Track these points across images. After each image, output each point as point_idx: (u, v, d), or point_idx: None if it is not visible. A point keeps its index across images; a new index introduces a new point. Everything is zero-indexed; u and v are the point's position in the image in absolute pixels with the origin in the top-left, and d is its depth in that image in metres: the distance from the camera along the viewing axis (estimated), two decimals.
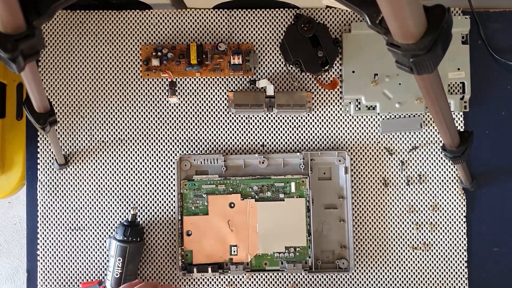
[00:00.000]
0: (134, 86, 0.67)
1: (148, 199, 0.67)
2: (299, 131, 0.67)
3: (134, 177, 0.67)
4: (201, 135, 0.67)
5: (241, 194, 0.65)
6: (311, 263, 0.64)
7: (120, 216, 0.67)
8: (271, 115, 0.67)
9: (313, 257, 0.64)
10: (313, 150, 0.67)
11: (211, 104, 0.67)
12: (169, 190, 0.67)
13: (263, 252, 0.64)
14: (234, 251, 0.64)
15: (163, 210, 0.67)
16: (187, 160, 0.65)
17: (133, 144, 0.67)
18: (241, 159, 0.66)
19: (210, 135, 0.67)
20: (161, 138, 0.67)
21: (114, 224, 0.66)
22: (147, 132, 0.67)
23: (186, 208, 0.65)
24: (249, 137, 0.67)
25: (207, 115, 0.67)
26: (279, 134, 0.67)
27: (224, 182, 0.65)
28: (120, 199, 0.67)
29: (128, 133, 0.67)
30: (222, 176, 0.65)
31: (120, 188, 0.67)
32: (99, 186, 0.67)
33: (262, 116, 0.67)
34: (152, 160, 0.67)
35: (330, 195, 0.65)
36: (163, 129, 0.67)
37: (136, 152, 0.67)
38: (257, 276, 0.66)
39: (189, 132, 0.67)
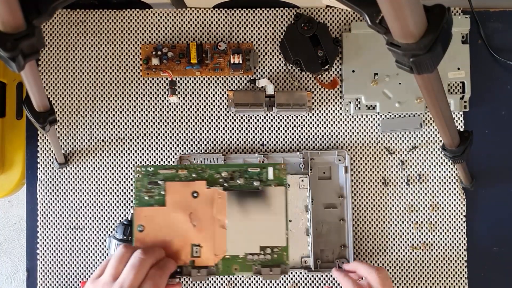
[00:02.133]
0: (134, 85, 0.67)
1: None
2: (299, 131, 0.67)
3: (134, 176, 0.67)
4: (201, 134, 0.67)
5: (207, 181, 0.54)
6: (311, 263, 0.64)
7: (120, 215, 0.67)
8: (271, 115, 0.67)
9: (313, 257, 0.64)
10: (313, 150, 0.67)
11: (211, 104, 0.67)
12: None
13: (233, 254, 0.53)
14: (196, 252, 0.53)
15: None
16: (187, 159, 0.65)
17: (133, 143, 0.67)
18: (241, 159, 0.66)
19: (210, 134, 0.67)
20: (161, 137, 0.67)
21: (114, 223, 0.66)
22: (147, 131, 0.67)
23: (138, 198, 0.54)
24: (249, 137, 0.67)
25: (207, 115, 0.67)
26: (279, 134, 0.67)
27: (187, 166, 0.55)
28: (120, 198, 0.67)
29: (128, 132, 0.67)
30: None
31: (120, 187, 0.67)
32: (99, 185, 0.67)
33: (262, 115, 0.67)
34: (152, 159, 0.67)
35: (330, 195, 0.65)
36: (163, 128, 0.67)
37: (136, 151, 0.67)
38: (256, 276, 0.66)
39: (189, 131, 0.67)
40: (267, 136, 0.67)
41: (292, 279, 0.66)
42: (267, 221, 0.54)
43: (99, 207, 0.67)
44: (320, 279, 0.66)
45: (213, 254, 0.53)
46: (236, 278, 0.66)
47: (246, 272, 0.53)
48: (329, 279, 0.66)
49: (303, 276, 0.66)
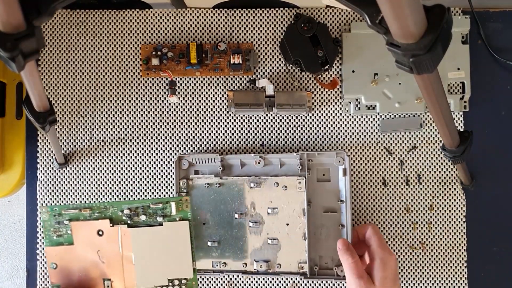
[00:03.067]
0: (134, 86, 0.67)
1: (148, 199, 0.67)
2: (299, 131, 0.67)
3: (134, 177, 0.67)
4: (201, 134, 0.67)
5: (110, 220, 0.57)
6: (307, 269, 0.62)
7: None
8: (271, 115, 0.67)
9: (309, 262, 0.62)
10: (312, 150, 0.66)
11: (211, 104, 0.67)
12: (169, 190, 0.67)
13: (143, 287, 0.56)
14: (108, 286, 0.56)
15: None
16: (186, 159, 0.65)
17: (133, 143, 0.67)
18: (238, 159, 0.65)
19: (210, 134, 0.67)
20: (161, 137, 0.67)
21: None
22: (147, 132, 0.67)
23: (48, 238, 0.57)
24: (249, 137, 0.67)
25: (207, 115, 0.67)
26: (279, 134, 0.67)
27: (90, 205, 0.57)
28: (120, 199, 0.67)
29: (128, 132, 0.67)
30: (219, 176, 0.64)
31: (120, 188, 0.67)
32: (99, 185, 0.67)
33: (262, 115, 0.67)
34: (152, 160, 0.67)
35: (329, 198, 0.63)
36: (163, 129, 0.67)
37: (136, 151, 0.67)
38: (256, 276, 0.66)
39: (189, 132, 0.67)
40: (267, 137, 0.67)
41: (292, 279, 0.66)
42: (173, 255, 0.56)
43: None
44: (316, 286, 0.65)
45: (124, 287, 0.56)
46: (236, 278, 0.66)
47: None
48: (328, 285, 0.66)
49: (300, 281, 0.65)
